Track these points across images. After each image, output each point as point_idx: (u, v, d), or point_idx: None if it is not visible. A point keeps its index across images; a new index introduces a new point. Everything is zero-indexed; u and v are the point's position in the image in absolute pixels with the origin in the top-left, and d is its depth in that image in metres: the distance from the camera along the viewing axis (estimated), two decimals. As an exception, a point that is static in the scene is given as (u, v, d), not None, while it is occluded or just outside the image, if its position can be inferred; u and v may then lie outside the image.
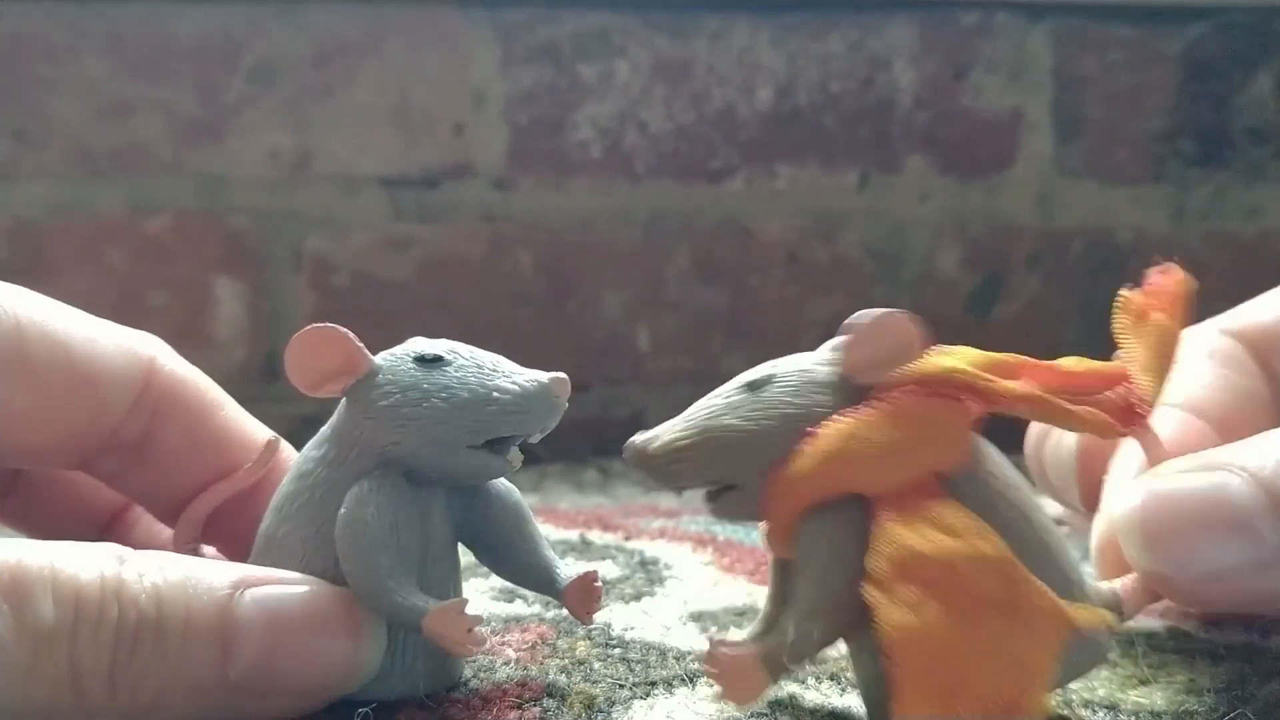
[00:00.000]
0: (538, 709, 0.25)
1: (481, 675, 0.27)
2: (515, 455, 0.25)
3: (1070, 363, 0.24)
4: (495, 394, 0.24)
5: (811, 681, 0.27)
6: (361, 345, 0.24)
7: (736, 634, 0.30)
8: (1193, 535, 0.24)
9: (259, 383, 0.69)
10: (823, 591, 0.22)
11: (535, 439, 0.25)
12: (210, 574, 0.22)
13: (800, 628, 0.22)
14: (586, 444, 0.73)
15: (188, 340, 0.70)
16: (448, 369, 0.24)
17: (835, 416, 0.23)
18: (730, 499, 0.24)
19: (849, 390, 0.23)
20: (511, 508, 0.26)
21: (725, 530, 0.47)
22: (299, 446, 0.27)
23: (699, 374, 0.75)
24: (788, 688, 0.26)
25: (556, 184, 0.74)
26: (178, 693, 0.21)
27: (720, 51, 0.74)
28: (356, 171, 0.72)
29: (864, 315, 0.24)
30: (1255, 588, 0.24)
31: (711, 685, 0.23)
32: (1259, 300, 0.32)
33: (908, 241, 0.76)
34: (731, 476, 0.24)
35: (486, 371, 0.24)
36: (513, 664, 0.28)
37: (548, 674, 0.27)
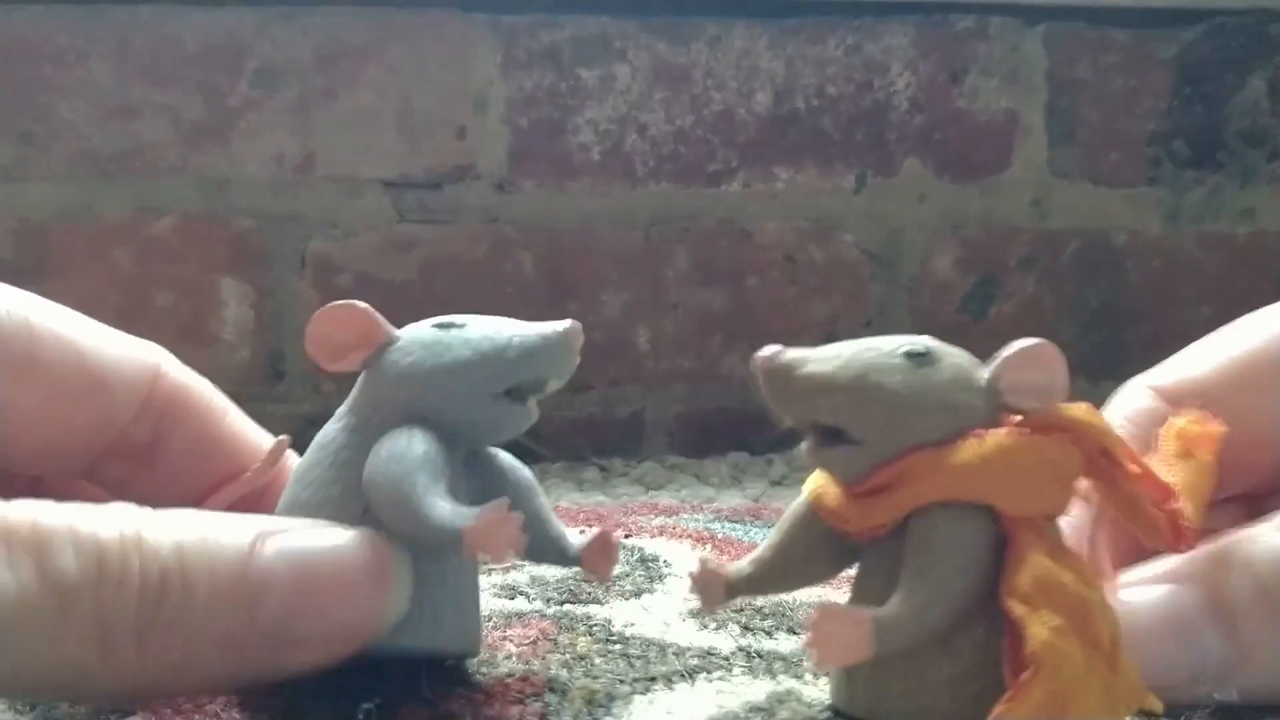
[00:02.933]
0: (539, 704, 0.25)
1: (483, 670, 0.27)
2: (534, 407, 0.26)
3: (1152, 463, 0.25)
4: (514, 339, 0.25)
5: (810, 677, 0.27)
6: (379, 317, 0.25)
7: (736, 632, 0.31)
8: (1148, 648, 0.24)
9: (263, 383, 0.70)
10: (947, 589, 0.22)
11: (552, 387, 0.26)
12: (231, 527, 0.22)
13: (920, 615, 0.22)
14: (587, 443, 0.73)
15: (193, 341, 0.71)
16: (465, 329, 0.25)
17: (1002, 429, 0.23)
18: (845, 454, 0.23)
19: (995, 404, 0.24)
20: (524, 481, 0.27)
21: (724, 528, 0.47)
22: (304, 448, 0.28)
23: (698, 374, 0.76)
24: (786, 683, 0.27)
25: (557, 186, 0.74)
26: (206, 645, 0.21)
27: (719, 55, 0.75)
28: (360, 174, 0.73)
29: (1025, 341, 0.24)
30: (1212, 695, 0.24)
31: (808, 638, 0.22)
32: (1186, 354, 0.32)
33: (904, 243, 0.77)
34: (865, 433, 0.23)
35: (503, 325, 0.25)
36: (514, 659, 0.28)
37: (549, 669, 0.27)
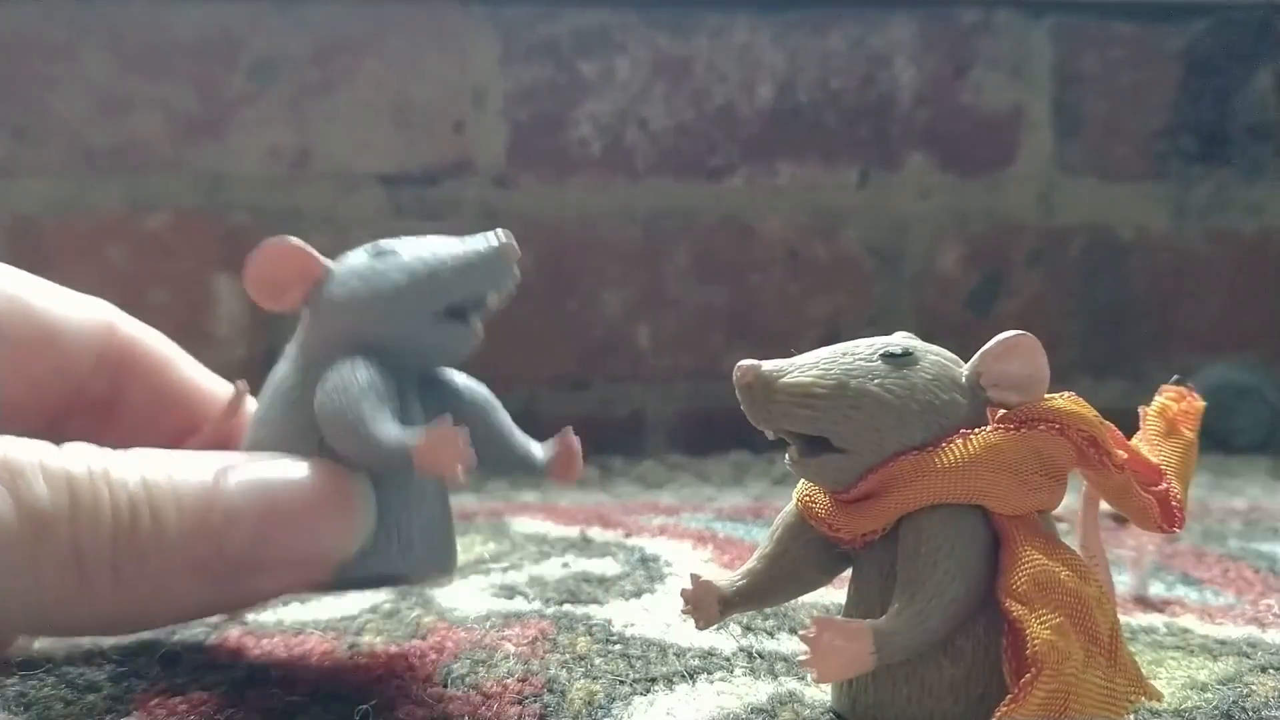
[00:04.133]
0: (538, 704, 0.25)
1: (482, 670, 0.27)
2: (477, 325, 0.25)
3: (1139, 446, 0.25)
4: (448, 258, 0.24)
5: (810, 677, 0.27)
6: (314, 252, 0.25)
7: (737, 632, 0.30)
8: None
9: (259, 380, 0.69)
10: (944, 595, 0.22)
11: (493, 302, 0.25)
12: (194, 462, 0.23)
13: (919, 624, 0.22)
14: (586, 441, 0.73)
15: (187, 337, 0.70)
16: (399, 253, 0.25)
17: (987, 426, 0.23)
18: (832, 462, 0.23)
19: (979, 401, 0.23)
20: (481, 398, 0.27)
21: (725, 527, 0.47)
22: None
23: (699, 372, 0.75)
24: (788, 684, 0.26)
25: (556, 181, 0.74)
26: (179, 574, 0.21)
27: (720, 48, 0.74)
28: (356, 169, 0.72)
29: (1004, 334, 0.23)
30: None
31: (807, 653, 0.22)
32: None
33: (908, 239, 0.76)
34: (849, 441, 0.23)
35: (437, 245, 0.25)
36: (513, 659, 0.28)
37: (548, 669, 0.27)
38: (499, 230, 0.25)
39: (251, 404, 0.29)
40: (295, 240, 0.25)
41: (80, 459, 0.21)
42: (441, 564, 0.26)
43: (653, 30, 0.74)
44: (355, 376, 0.23)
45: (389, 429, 0.23)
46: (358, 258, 0.25)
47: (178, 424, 0.28)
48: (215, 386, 0.29)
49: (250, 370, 0.73)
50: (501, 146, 0.73)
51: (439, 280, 0.24)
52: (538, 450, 0.27)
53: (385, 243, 0.25)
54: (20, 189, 0.70)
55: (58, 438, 0.28)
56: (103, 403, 0.28)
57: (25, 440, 0.21)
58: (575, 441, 0.26)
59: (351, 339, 0.24)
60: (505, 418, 0.27)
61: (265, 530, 0.22)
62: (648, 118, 0.74)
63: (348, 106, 0.72)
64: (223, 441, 0.28)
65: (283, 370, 0.25)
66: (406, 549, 0.25)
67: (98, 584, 0.21)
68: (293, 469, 0.23)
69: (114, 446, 0.28)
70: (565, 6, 0.73)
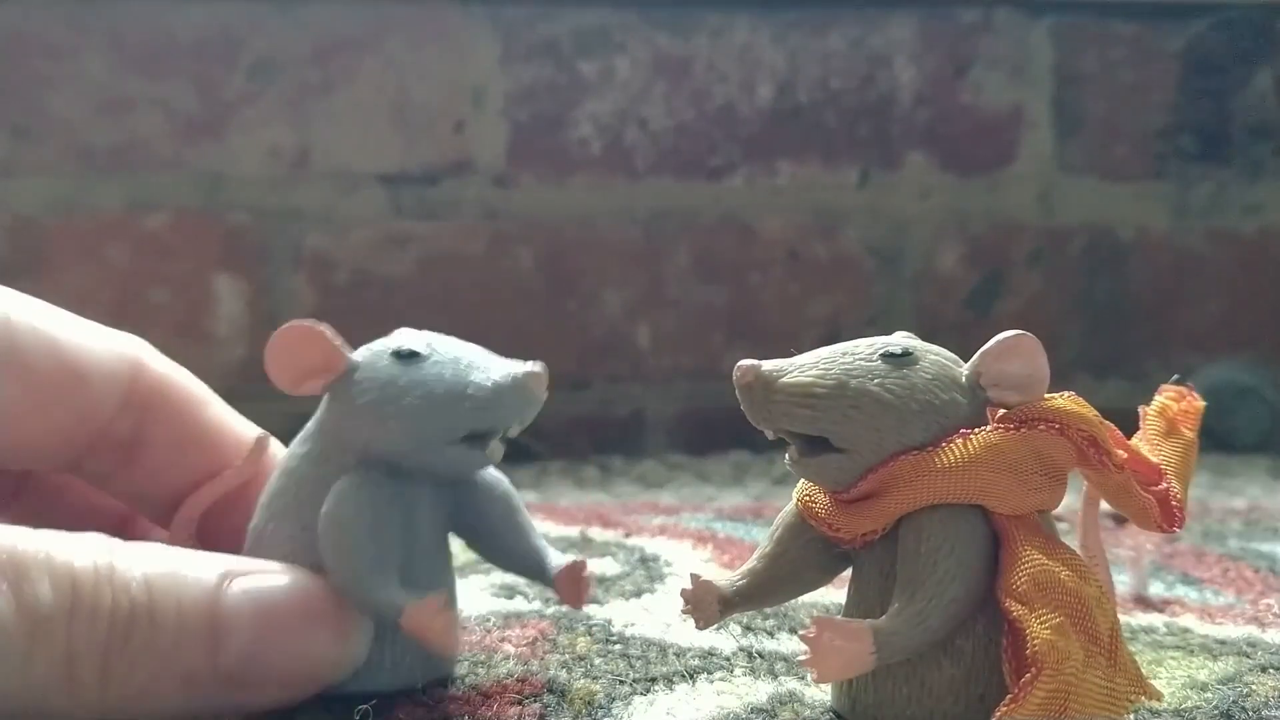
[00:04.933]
0: (538, 705, 0.25)
1: (482, 671, 0.27)
2: (495, 448, 0.25)
3: (1138, 446, 0.25)
4: (469, 390, 0.24)
5: (810, 677, 0.27)
6: (340, 342, 0.24)
7: (737, 632, 0.30)
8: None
9: (259, 380, 0.69)
10: (944, 595, 0.22)
11: (514, 431, 0.25)
12: (199, 564, 0.23)
13: (919, 624, 0.22)
14: (586, 441, 0.73)
15: (187, 338, 0.70)
16: (424, 364, 0.24)
17: (987, 426, 0.23)
18: (832, 462, 0.23)
19: (979, 400, 0.23)
20: (500, 498, 0.27)
21: (725, 527, 0.47)
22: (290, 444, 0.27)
23: (699, 371, 0.75)
24: (788, 684, 0.26)
25: (556, 181, 0.74)
26: (168, 682, 0.21)
27: (720, 48, 0.74)
28: (356, 168, 0.72)
29: (1004, 333, 0.23)
30: None
31: (807, 653, 0.22)
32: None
33: (908, 238, 0.76)
34: (849, 441, 0.23)
35: (463, 366, 0.24)
36: (513, 659, 0.28)
37: (548, 670, 0.27)
38: (533, 364, 0.24)
39: (277, 447, 0.29)
40: (320, 327, 0.24)
41: (87, 553, 0.21)
42: (437, 672, 0.26)
43: (653, 30, 0.73)
44: (360, 517, 0.23)
45: (381, 589, 0.23)
46: (382, 359, 0.24)
47: (202, 464, 0.28)
48: (241, 429, 0.29)
49: (249, 370, 0.74)
50: (501, 146, 0.73)
51: (458, 412, 0.24)
52: (552, 560, 0.26)
53: (412, 342, 0.25)
54: (20, 189, 0.70)
55: (81, 475, 0.28)
56: (127, 441, 0.28)
57: (34, 533, 0.21)
58: (584, 567, 0.26)
59: (366, 446, 0.24)
60: (524, 518, 0.27)
61: (260, 648, 0.22)
62: (648, 118, 0.74)
63: (348, 106, 0.72)
64: (244, 488, 0.28)
65: (296, 458, 0.25)
66: (399, 665, 0.25)
67: (85, 684, 0.20)
68: (296, 584, 0.23)
69: (136, 484, 0.28)
70: (565, 6, 0.73)
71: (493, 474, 0.27)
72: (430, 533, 0.25)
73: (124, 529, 0.30)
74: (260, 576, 0.23)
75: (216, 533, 0.28)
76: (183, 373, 0.29)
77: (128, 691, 0.21)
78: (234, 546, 0.26)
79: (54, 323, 0.26)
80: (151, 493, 0.28)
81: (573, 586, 0.26)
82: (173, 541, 0.28)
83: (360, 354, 0.25)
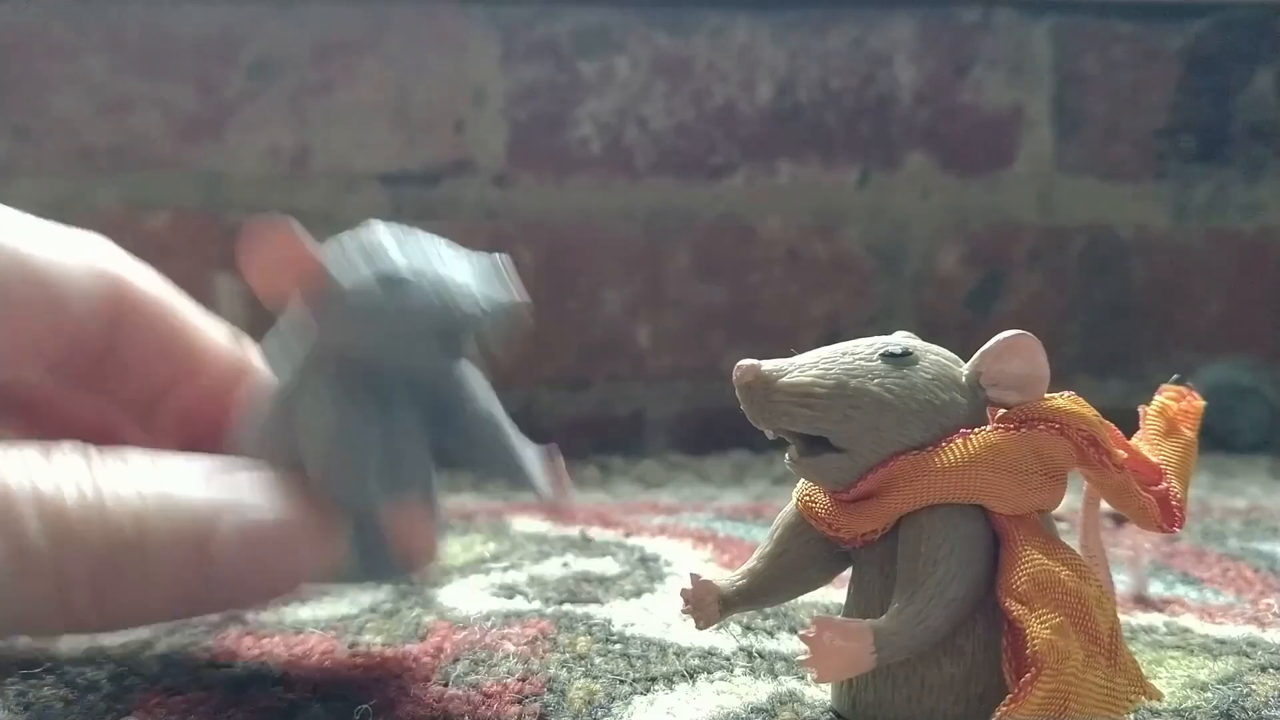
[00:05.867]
0: (538, 704, 0.25)
1: (482, 670, 0.27)
2: (468, 344, 0.25)
3: (1138, 445, 0.25)
4: (458, 312, 0.23)
5: (810, 677, 0.27)
6: (308, 246, 0.24)
7: (737, 632, 0.30)
8: None
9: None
10: (944, 594, 0.22)
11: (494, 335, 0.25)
12: (187, 487, 0.23)
13: (919, 624, 0.22)
14: (586, 441, 0.73)
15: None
16: (405, 283, 0.23)
17: (987, 426, 0.23)
18: (832, 462, 0.23)
19: (979, 400, 0.23)
20: (484, 409, 0.26)
21: (725, 527, 0.47)
22: None
23: (699, 371, 0.75)
24: (788, 684, 0.26)
25: (556, 181, 0.74)
26: (159, 600, 0.22)
27: (720, 48, 0.74)
28: (356, 168, 0.72)
29: (1004, 333, 0.23)
30: None
31: (807, 653, 0.22)
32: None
33: (908, 238, 0.76)
34: (849, 440, 0.23)
35: (445, 284, 0.24)
36: (513, 659, 0.28)
37: (548, 669, 0.27)
38: (506, 269, 0.25)
39: (251, 353, 0.29)
40: (293, 231, 0.24)
41: (74, 482, 0.21)
42: (415, 569, 0.26)
43: (653, 30, 0.73)
44: (337, 419, 0.23)
45: (361, 493, 0.23)
46: (356, 269, 0.24)
47: (176, 371, 0.28)
48: (215, 332, 0.29)
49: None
50: (501, 146, 0.73)
51: (444, 329, 0.24)
52: (540, 477, 0.26)
53: (388, 246, 0.24)
54: (20, 189, 0.70)
55: (55, 379, 0.28)
56: (100, 349, 0.28)
57: (20, 461, 0.21)
58: (557, 455, 0.26)
59: (342, 350, 0.24)
60: (499, 411, 0.26)
61: (248, 570, 0.23)
62: (648, 117, 0.74)
63: (348, 106, 0.72)
64: (223, 389, 0.28)
65: (275, 355, 0.25)
66: (374, 562, 0.25)
67: (77, 608, 0.21)
68: (281, 501, 0.24)
69: (111, 387, 0.28)
70: (565, 6, 0.73)
71: (478, 380, 0.26)
72: (407, 429, 0.25)
73: (100, 435, 0.30)
74: (248, 508, 0.23)
75: (200, 433, 0.28)
76: (153, 276, 0.29)
77: (120, 610, 0.22)
78: (218, 447, 0.26)
79: (23, 235, 0.26)
80: (128, 397, 0.28)
81: (558, 487, 0.26)
82: (153, 444, 0.28)
83: (332, 257, 0.24)
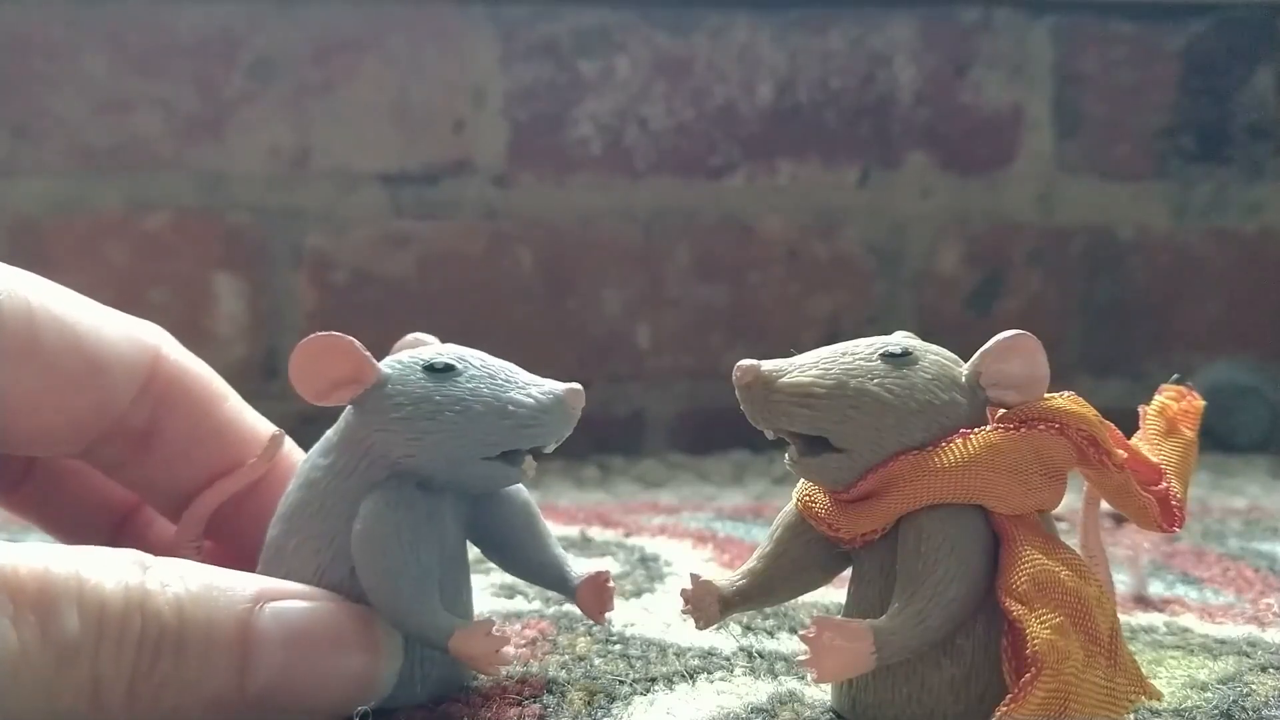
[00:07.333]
0: (538, 705, 0.25)
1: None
2: (529, 464, 0.25)
3: (1138, 445, 0.25)
4: (510, 407, 0.24)
5: (810, 677, 0.27)
6: (368, 354, 0.24)
7: (737, 632, 0.30)
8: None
9: (259, 380, 0.69)
10: (944, 594, 0.22)
11: (550, 449, 0.25)
12: (232, 586, 0.22)
13: (919, 624, 0.22)
14: (586, 441, 0.72)
15: (187, 337, 0.69)
16: (459, 379, 0.24)
17: (987, 426, 0.23)
18: (832, 462, 0.23)
19: (979, 400, 0.23)
20: (521, 507, 0.26)
21: (725, 527, 0.47)
22: (301, 444, 0.27)
23: (699, 371, 0.75)
24: (788, 684, 0.26)
25: (556, 181, 0.74)
26: (194, 705, 0.21)
27: (720, 48, 0.74)
28: (356, 168, 0.72)
29: (1004, 333, 0.23)
30: None
31: (807, 653, 0.22)
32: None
33: (908, 238, 0.76)
34: (849, 440, 0.23)
35: (500, 382, 0.24)
36: (513, 660, 0.28)
37: (548, 670, 0.27)
38: (569, 386, 0.24)
39: (290, 446, 0.29)
40: (348, 339, 0.24)
41: (118, 576, 0.21)
42: (458, 686, 0.26)
43: (653, 30, 0.73)
44: (400, 538, 0.23)
45: (426, 614, 0.23)
46: (413, 374, 0.24)
47: (215, 458, 0.28)
48: (256, 423, 0.29)
49: (249, 369, 0.73)
50: (501, 145, 0.73)
51: (498, 430, 0.23)
52: (573, 570, 0.26)
53: (444, 356, 0.24)
54: (20, 189, 0.70)
55: (93, 462, 0.28)
56: (140, 432, 0.28)
57: (67, 554, 0.21)
58: (608, 578, 0.26)
59: (398, 461, 0.24)
60: (543, 527, 0.27)
61: (289, 674, 0.22)
62: (648, 117, 0.74)
63: (348, 106, 0.72)
64: (257, 485, 0.28)
65: (319, 469, 0.25)
66: (426, 681, 0.24)
67: (111, 708, 0.20)
68: (323, 614, 0.23)
69: (148, 475, 0.28)
70: (565, 6, 0.72)
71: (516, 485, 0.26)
72: (454, 541, 0.25)
73: (131, 518, 0.30)
74: (293, 601, 0.23)
75: (228, 529, 0.28)
76: (201, 365, 0.29)
77: (155, 712, 0.21)
78: (246, 543, 0.26)
79: (76, 311, 0.26)
80: (162, 483, 0.28)
81: (596, 598, 0.26)
82: (180, 535, 0.28)
83: (388, 365, 0.24)
